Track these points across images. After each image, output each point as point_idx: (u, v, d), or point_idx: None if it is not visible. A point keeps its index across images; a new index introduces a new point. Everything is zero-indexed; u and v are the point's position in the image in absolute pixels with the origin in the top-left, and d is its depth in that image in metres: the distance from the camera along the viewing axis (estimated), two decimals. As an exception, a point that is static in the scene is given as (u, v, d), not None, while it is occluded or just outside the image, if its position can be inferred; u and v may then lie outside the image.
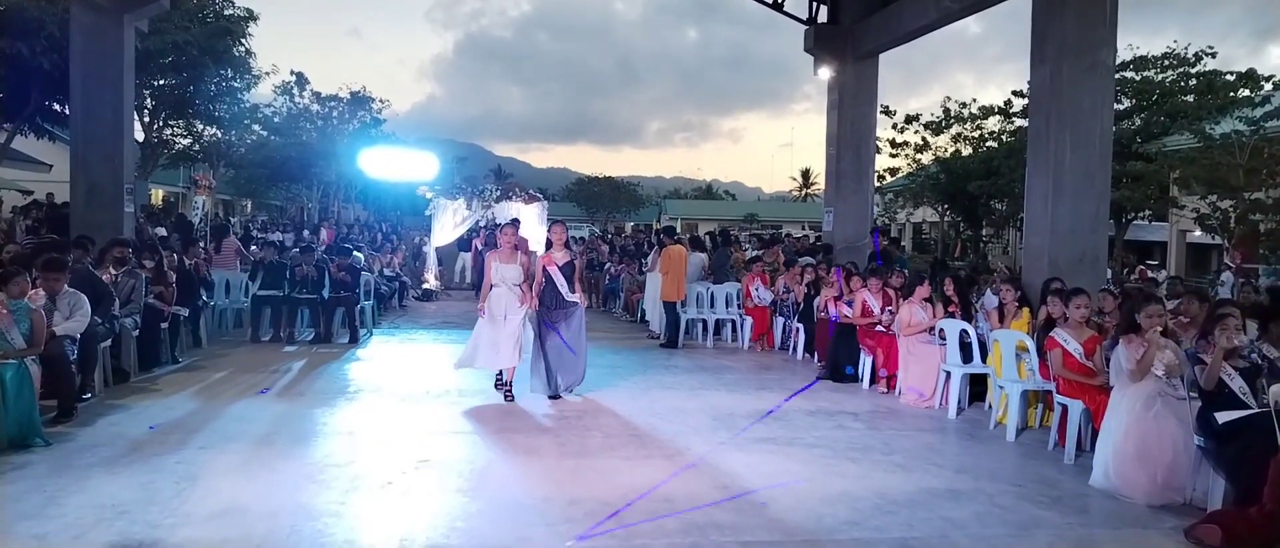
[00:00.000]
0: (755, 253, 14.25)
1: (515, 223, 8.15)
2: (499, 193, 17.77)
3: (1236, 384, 5.05)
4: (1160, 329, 5.51)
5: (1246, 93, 22.51)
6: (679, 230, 17.62)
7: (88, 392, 6.87)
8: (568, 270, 7.69)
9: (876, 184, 23.10)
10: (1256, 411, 4.91)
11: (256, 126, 31.64)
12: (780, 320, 11.60)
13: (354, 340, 10.73)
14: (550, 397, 7.60)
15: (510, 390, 7.61)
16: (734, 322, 12.05)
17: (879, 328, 8.84)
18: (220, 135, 27.39)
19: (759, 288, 11.70)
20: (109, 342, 7.39)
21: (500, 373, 7.71)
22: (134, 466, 5.28)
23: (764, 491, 5.20)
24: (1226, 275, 18.51)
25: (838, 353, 9.24)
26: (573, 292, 7.68)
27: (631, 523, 4.56)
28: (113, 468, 5.22)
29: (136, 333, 8.03)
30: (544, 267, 7.66)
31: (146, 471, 5.18)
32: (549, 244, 7.90)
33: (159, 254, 9.06)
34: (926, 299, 8.36)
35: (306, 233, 17.89)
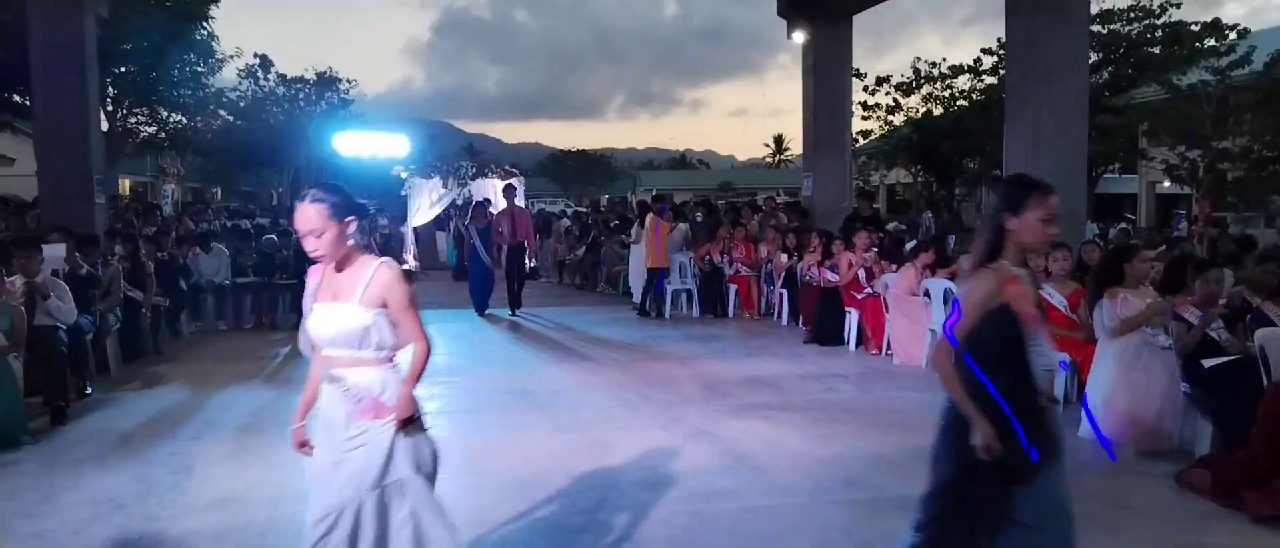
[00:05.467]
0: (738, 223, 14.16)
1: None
2: (474, 170, 17.66)
3: (1218, 332, 5.15)
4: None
5: (1212, 42, 22.73)
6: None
7: (89, 388, 6.82)
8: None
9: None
10: (1241, 356, 5.01)
11: (222, 111, 31.16)
12: (765, 287, 11.65)
13: (337, 324, 10.62)
14: None
15: None
16: (690, 291, 11.95)
17: (868, 291, 8.89)
18: (185, 122, 26.92)
19: (722, 258, 11.77)
20: (92, 335, 7.28)
21: None
22: (126, 459, 5.22)
23: (762, 456, 5.24)
24: (1181, 224, 18.95)
25: (823, 317, 9.31)
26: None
27: (631, 494, 4.58)
28: (105, 462, 5.16)
29: (118, 326, 7.91)
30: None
31: (139, 463, 5.12)
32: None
33: (135, 244, 8.90)
34: (928, 266, 8.35)
35: (283, 221, 17.64)
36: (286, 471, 4.99)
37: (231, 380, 7.50)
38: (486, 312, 11.52)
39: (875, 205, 13.17)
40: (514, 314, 11.30)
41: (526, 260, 12.17)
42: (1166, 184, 24.35)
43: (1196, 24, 24.06)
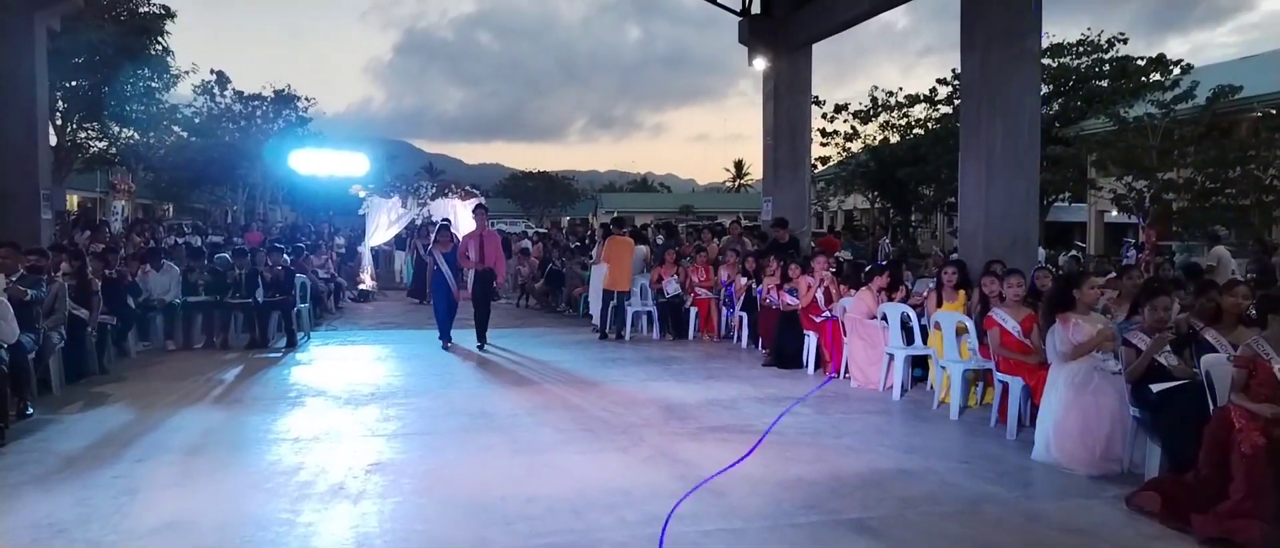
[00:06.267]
0: (698, 245, 14.24)
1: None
2: (434, 190, 17.53)
3: (1166, 358, 5.27)
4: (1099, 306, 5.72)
5: (1157, 77, 23.49)
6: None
7: (30, 409, 6.63)
8: None
9: (809, 173, 23.45)
10: (1188, 380, 5.13)
11: (176, 128, 30.65)
12: (724, 310, 11.70)
13: (291, 345, 10.46)
14: None
15: None
16: (650, 314, 11.99)
17: (826, 315, 8.97)
18: (137, 137, 26.42)
19: (672, 281, 11.78)
20: (34, 354, 7.05)
21: None
22: (68, 482, 5.04)
23: (720, 479, 5.23)
24: (1130, 252, 19.56)
25: (782, 340, 9.36)
26: None
27: (590, 517, 4.54)
28: (45, 485, 4.99)
29: (62, 344, 7.67)
30: None
31: (82, 486, 4.96)
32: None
33: (82, 261, 8.67)
34: (882, 289, 8.46)
35: (237, 239, 17.36)
36: (236, 495, 4.88)
37: (180, 401, 7.32)
38: (449, 342, 10.58)
39: (795, 233, 13.27)
40: (481, 348, 10.33)
41: (495, 287, 11.21)
42: (1114, 213, 25.00)
43: (1142, 59, 24.86)
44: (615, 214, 19.39)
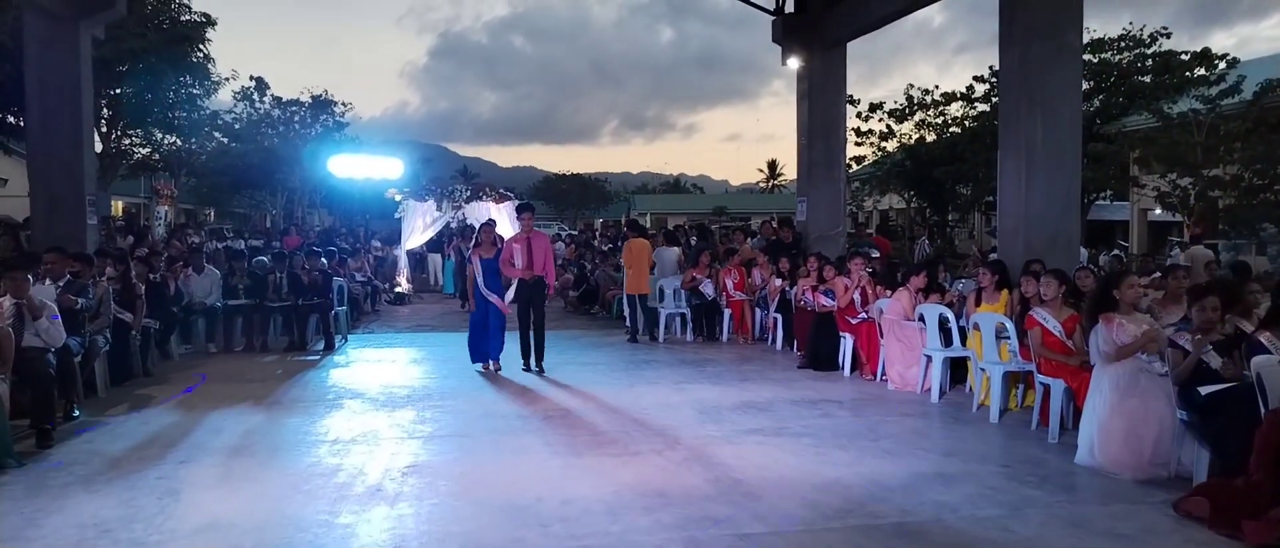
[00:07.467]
0: (730, 248, 14.19)
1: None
2: (469, 193, 17.64)
3: (1213, 360, 5.13)
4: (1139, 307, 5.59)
5: (1202, 72, 22.92)
6: (648, 225, 17.52)
7: (76, 411, 6.77)
8: None
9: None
10: (1237, 383, 4.99)
11: (217, 134, 31.18)
12: (758, 312, 11.63)
13: (329, 347, 10.58)
14: None
15: None
16: (684, 315, 11.94)
17: (863, 316, 8.89)
18: (180, 143, 26.89)
19: (706, 282, 11.71)
20: (80, 357, 7.20)
21: None
22: (113, 483, 5.14)
23: (757, 482, 5.19)
24: (1176, 251, 19.09)
25: (818, 342, 9.28)
26: None
27: (626, 519, 4.53)
28: (91, 486, 5.08)
29: (107, 348, 7.83)
30: None
31: (126, 487, 5.04)
32: None
33: (126, 265, 8.84)
34: (920, 289, 8.35)
35: (276, 243, 17.60)
36: (276, 496, 4.93)
37: (220, 403, 7.42)
38: (488, 363, 9.20)
39: (831, 233, 13.17)
40: (536, 369, 9.11)
41: (546, 299, 9.51)
42: (1158, 211, 24.46)
43: (1186, 54, 24.28)
44: (625, 217, 19.36)
